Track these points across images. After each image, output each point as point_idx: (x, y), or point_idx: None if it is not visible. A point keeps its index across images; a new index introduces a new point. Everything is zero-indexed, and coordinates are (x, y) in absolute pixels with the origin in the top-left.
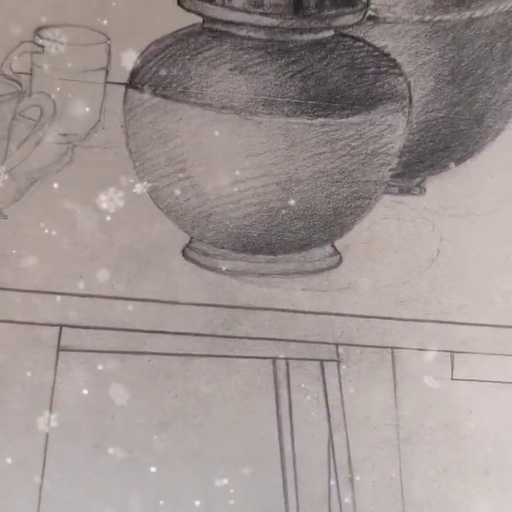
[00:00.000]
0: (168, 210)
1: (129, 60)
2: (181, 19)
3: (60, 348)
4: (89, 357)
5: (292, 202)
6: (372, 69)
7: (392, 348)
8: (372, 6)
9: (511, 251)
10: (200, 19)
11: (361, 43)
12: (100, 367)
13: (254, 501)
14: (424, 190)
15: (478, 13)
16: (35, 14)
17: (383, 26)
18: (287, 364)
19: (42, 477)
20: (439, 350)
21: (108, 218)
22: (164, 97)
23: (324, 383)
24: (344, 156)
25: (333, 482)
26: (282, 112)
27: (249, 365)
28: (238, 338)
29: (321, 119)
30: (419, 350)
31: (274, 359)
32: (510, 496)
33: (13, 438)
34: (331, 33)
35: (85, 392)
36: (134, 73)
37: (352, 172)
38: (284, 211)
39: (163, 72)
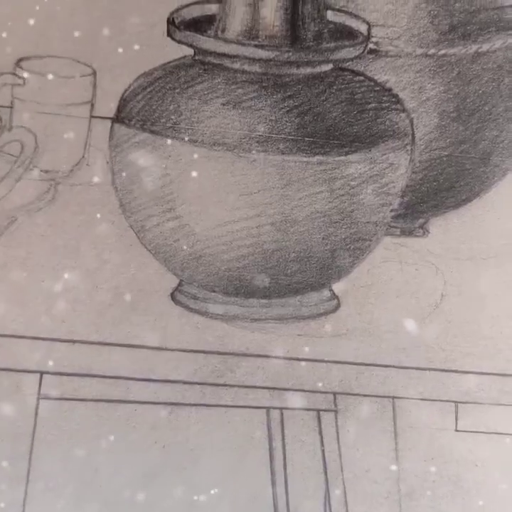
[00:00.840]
0: (157, 251)
1: (115, 93)
2: (171, 51)
3: (40, 396)
4: (71, 405)
5: (288, 243)
6: (373, 104)
7: (393, 397)
8: (374, 39)
9: None
10: (191, 51)
11: (361, 78)
12: (83, 416)
13: None
14: (428, 231)
15: (485, 48)
16: (16, 44)
17: (385, 60)
18: (282, 414)
19: None
20: (442, 400)
21: (92, 260)
22: (153, 132)
23: (321, 434)
24: (343, 195)
25: None
26: (278, 149)
27: (241, 415)
28: (230, 386)
29: (319, 157)
30: (422, 400)
31: (268, 409)
32: None
33: None
34: (330, 66)
35: (67, 442)
36: (120, 107)
37: (351, 212)
38: (279, 253)
39: (151, 107)
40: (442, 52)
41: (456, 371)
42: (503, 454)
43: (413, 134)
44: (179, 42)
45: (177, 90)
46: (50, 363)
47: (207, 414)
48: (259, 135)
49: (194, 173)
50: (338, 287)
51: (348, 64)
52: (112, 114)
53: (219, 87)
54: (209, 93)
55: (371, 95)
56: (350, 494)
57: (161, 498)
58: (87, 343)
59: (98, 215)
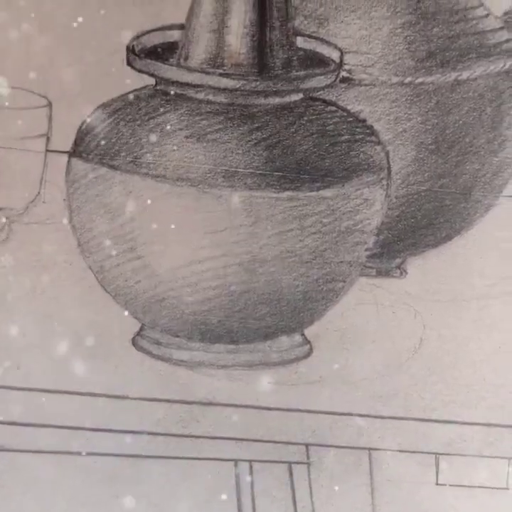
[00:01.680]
0: (117, 293)
1: (72, 125)
2: (131, 81)
3: None
4: (26, 458)
5: (256, 285)
6: (346, 136)
7: (369, 449)
8: (346, 67)
9: (503, 340)
10: (152, 80)
11: (333, 108)
12: (39, 469)
13: None
14: (405, 272)
15: (465, 75)
16: None
17: (358, 89)
18: (251, 467)
19: None
20: (422, 452)
21: (49, 302)
22: (112, 167)
23: (293, 489)
24: (314, 233)
25: None
26: (245, 184)
27: (207, 468)
28: (195, 437)
29: (289, 193)
30: (400, 451)
31: (236, 461)
32: None
33: None
34: (300, 96)
35: (21, 496)
36: (78, 140)
37: (323, 252)
38: (247, 295)
39: (111, 140)
40: (419, 80)
41: (436, 421)
42: (486, 509)
43: (389, 168)
44: (139, 71)
45: (138, 122)
46: (3, 411)
47: (171, 467)
48: (226, 169)
49: (156, 211)
50: (310, 331)
51: (319, 93)
52: (68, 148)
53: (182, 118)
54: (171, 125)
55: (344, 126)
56: None
57: None
58: (43, 391)
59: (55, 256)
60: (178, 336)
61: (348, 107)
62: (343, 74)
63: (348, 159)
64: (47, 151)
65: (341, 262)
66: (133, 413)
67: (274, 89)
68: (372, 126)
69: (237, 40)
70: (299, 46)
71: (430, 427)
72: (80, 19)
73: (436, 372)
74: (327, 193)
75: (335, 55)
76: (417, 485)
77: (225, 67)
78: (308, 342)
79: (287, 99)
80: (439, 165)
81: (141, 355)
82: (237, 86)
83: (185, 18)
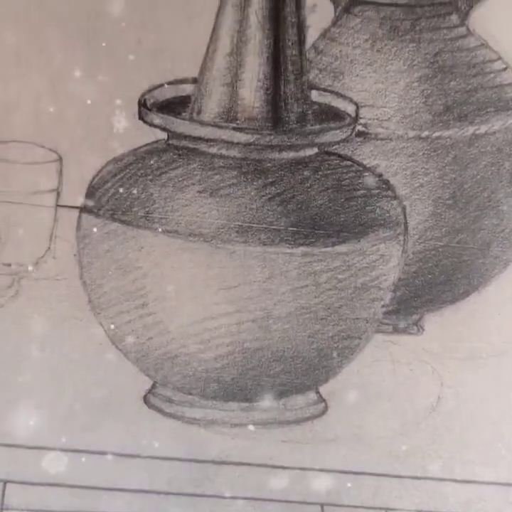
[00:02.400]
0: (128, 350)
1: (83, 180)
2: (143, 135)
3: (3, 507)
4: None
5: (270, 342)
6: (362, 191)
7: (386, 509)
8: (362, 121)
9: None
10: (164, 135)
11: (349, 162)
12: None
13: None
14: (422, 328)
15: (482, 129)
16: None
17: (374, 143)
18: None
19: None
20: None
21: (60, 360)
22: (123, 222)
23: None
24: (330, 290)
25: None
26: (259, 239)
27: None
28: (208, 496)
29: (303, 248)
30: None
31: None
32: None
33: None
34: (315, 150)
35: None
36: (88, 195)
37: (339, 308)
38: (261, 352)
39: (122, 195)
40: (437, 134)
41: (455, 480)
42: None
43: (406, 223)
44: (151, 125)
45: (149, 177)
46: (15, 471)
47: None
48: (239, 225)
49: (169, 266)
50: (325, 389)
51: (334, 148)
52: (79, 203)
53: (195, 173)
54: (184, 180)
55: (360, 181)
56: None
57: None
58: (54, 449)
59: (65, 312)
60: (190, 394)
61: (364, 162)
62: (359, 128)
63: (364, 214)
64: (57, 206)
65: (357, 318)
66: (144, 472)
67: (289, 144)
68: (388, 181)
69: (251, 93)
70: (314, 100)
71: (448, 487)
72: (91, 72)
73: (454, 431)
74: (342, 248)
75: (350, 109)
76: None
77: (238, 121)
78: (323, 400)
79: (302, 153)
80: (456, 220)
81: (153, 413)
82: (251, 140)
83: (198, 72)
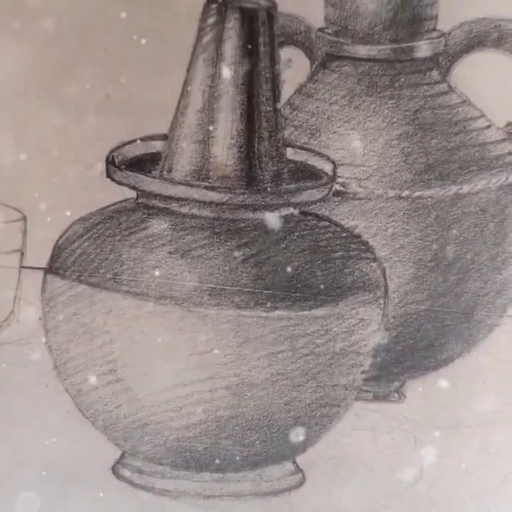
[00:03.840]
0: (96, 418)
1: (48, 240)
2: (112, 193)
3: None
4: None
5: (245, 409)
6: (340, 253)
7: None
8: (340, 180)
9: (509, 469)
10: (133, 193)
11: (326, 223)
12: None
13: None
14: (404, 396)
15: (465, 189)
16: None
17: (353, 203)
18: None
19: None
20: None
21: (23, 428)
22: (91, 284)
23: None
24: (307, 355)
25: None
26: (232, 303)
27: None
28: None
29: (279, 312)
30: None
31: None
32: None
33: None
34: (291, 210)
35: None
36: (54, 256)
37: (316, 375)
38: (235, 421)
39: (89, 255)
40: (417, 194)
41: None
42: None
43: (386, 286)
44: (120, 183)
45: (118, 237)
46: None
47: None
48: (212, 287)
49: (138, 331)
50: (302, 459)
51: (311, 208)
52: (44, 264)
53: (165, 233)
54: (154, 240)
55: (338, 242)
56: None
57: None
58: None
59: (29, 378)
60: (161, 464)
61: (342, 222)
62: (337, 187)
63: (342, 277)
64: (21, 267)
65: (336, 385)
66: None
67: (263, 203)
68: (367, 242)
69: (224, 151)
70: (290, 158)
71: None
72: (58, 128)
73: (438, 503)
74: (320, 312)
75: (327, 168)
76: None
77: (210, 180)
78: (301, 470)
79: (277, 213)
80: (439, 283)
81: (122, 484)
82: (224, 199)
83: (168, 128)
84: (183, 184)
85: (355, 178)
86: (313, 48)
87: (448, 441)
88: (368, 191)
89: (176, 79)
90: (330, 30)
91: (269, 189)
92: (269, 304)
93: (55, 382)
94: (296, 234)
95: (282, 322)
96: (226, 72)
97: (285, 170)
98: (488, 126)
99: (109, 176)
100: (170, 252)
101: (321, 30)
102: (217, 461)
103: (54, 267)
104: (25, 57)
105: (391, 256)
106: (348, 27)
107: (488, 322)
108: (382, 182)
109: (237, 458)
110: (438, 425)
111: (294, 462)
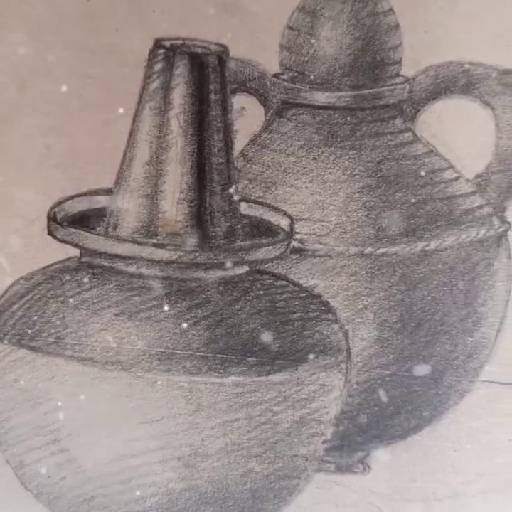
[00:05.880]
0: (39, 491)
1: None
2: (54, 251)
3: None
4: None
5: (198, 482)
6: (299, 314)
7: None
8: (298, 236)
9: None
10: (77, 251)
11: (284, 282)
12: None
13: None
14: (369, 467)
15: (433, 245)
16: None
17: (312, 261)
18: None
19: None
20: None
21: None
22: (32, 348)
23: None
24: (264, 424)
25: None
26: (184, 368)
27: None
28: None
29: (234, 378)
30: None
31: None
32: None
33: None
34: (245, 269)
35: None
36: None
37: (275, 444)
38: (188, 494)
39: (30, 318)
40: (381, 251)
41: None
42: None
43: (348, 350)
44: (62, 241)
45: (61, 298)
46: None
47: None
48: (161, 351)
49: (83, 397)
50: None
51: (267, 266)
52: None
53: (111, 294)
54: (99, 301)
55: (296, 303)
56: None
57: None
58: None
59: None
60: None
61: (301, 281)
62: (294, 244)
63: (302, 340)
64: None
65: (295, 455)
66: None
67: (216, 262)
68: (328, 303)
69: (173, 206)
70: (244, 213)
71: None
72: None
73: None
74: (278, 377)
75: (284, 223)
76: None
77: (159, 237)
78: None
79: (231, 272)
80: (405, 346)
81: None
82: (174, 258)
83: (113, 182)
84: (129, 242)
85: (314, 234)
86: (268, 95)
87: None
88: (328, 248)
89: (121, 129)
90: (286, 76)
91: (221, 246)
92: (223, 369)
93: None
94: (252, 294)
95: (237, 388)
96: (174, 121)
97: (239, 226)
98: (457, 178)
99: (50, 233)
100: (116, 314)
101: (276, 76)
102: None
103: None
104: None
105: (354, 317)
106: (305, 72)
107: (459, 388)
108: (343, 238)
109: None
110: (406, 498)
111: None
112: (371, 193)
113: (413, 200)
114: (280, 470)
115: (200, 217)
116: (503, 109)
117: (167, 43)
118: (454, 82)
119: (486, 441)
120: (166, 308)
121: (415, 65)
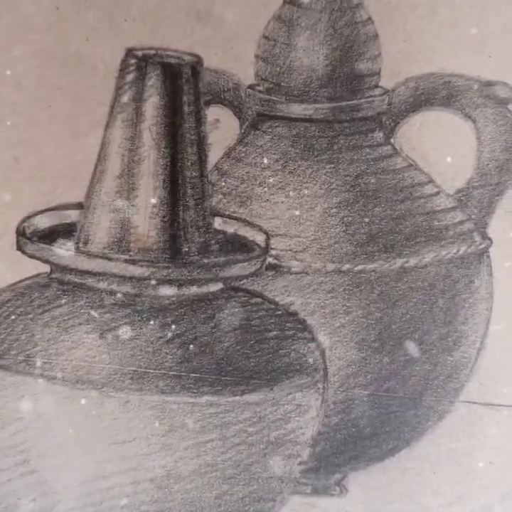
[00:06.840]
0: None
1: None
2: (22, 267)
3: None
4: None
5: (172, 504)
6: (274, 332)
7: None
8: (273, 252)
9: None
10: (46, 267)
11: (259, 299)
12: None
13: None
14: (346, 489)
15: (412, 262)
16: None
17: (288, 278)
18: None
19: None
20: None
21: None
22: (1, 367)
23: None
24: (239, 445)
25: None
26: (156, 387)
27: None
28: None
29: (208, 397)
30: None
31: None
32: None
33: None
34: (220, 286)
35: None
36: None
37: (249, 466)
38: None
39: None
40: (359, 267)
41: None
42: None
43: (325, 369)
44: (31, 256)
45: (30, 316)
46: None
47: None
48: (133, 370)
49: (53, 417)
50: None
51: (242, 283)
52: None
53: (82, 311)
54: (70, 319)
55: (272, 321)
56: None
57: None
58: None
59: None
60: None
61: (277, 299)
62: (270, 260)
63: (277, 359)
64: None
65: (271, 477)
66: None
67: (189, 278)
68: (304, 321)
69: (145, 221)
70: (218, 228)
71: None
72: None
73: None
74: (253, 397)
75: (260, 239)
76: None
77: (131, 253)
78: None
79: (204, 289)
80: (383, 365)
81: None
82: (146, 274)
83: (84, 196)
84: (100, 257)
85: (290, 250)
86: (243, 107)
87: None
88: (305, 265)
89: (91, 141)
90: (261, 88)
91: (195, 262)
92: (196, 389)
93: None
94: (226, 312)
95: (211, 408)
96: (147, 134)
97: (213, 241)
98: (437, 193)
99: (19, 248)
100: (87, 332)
101: (251, 87)
102: None
103: None
104: None
105: (331, 336)
106: (282, 84)
107: (438, 408)
108: (320, 254)
109: None
110: None
111: None
112: (349, 208)
113: (392, 216)
114: (255, 492)
115: (173, 232)
116: (484, 122)
117: (139, 53)
118: (435, 94)
119: (466, 462)
120: (137, 326)
121: (394, 75)
